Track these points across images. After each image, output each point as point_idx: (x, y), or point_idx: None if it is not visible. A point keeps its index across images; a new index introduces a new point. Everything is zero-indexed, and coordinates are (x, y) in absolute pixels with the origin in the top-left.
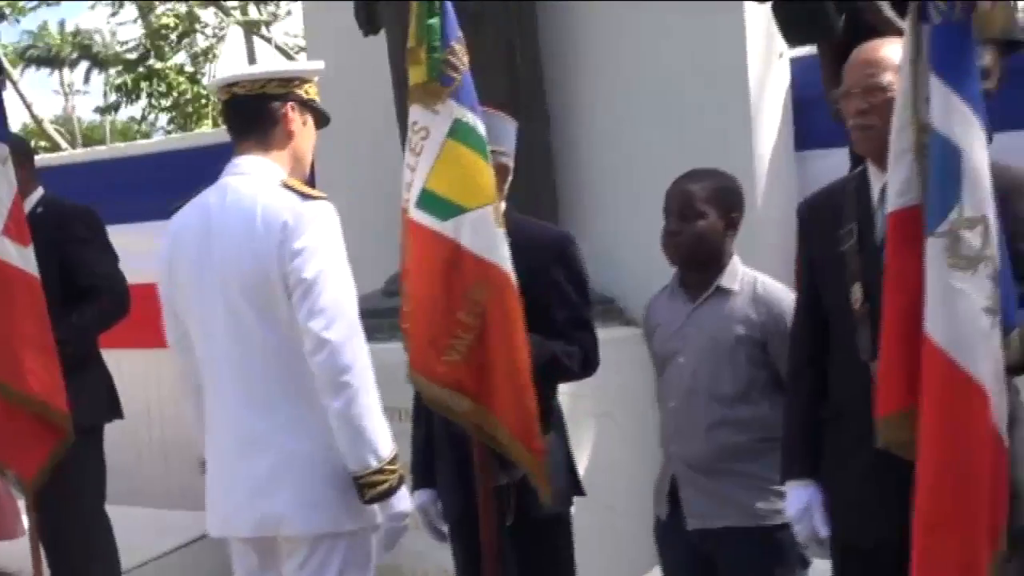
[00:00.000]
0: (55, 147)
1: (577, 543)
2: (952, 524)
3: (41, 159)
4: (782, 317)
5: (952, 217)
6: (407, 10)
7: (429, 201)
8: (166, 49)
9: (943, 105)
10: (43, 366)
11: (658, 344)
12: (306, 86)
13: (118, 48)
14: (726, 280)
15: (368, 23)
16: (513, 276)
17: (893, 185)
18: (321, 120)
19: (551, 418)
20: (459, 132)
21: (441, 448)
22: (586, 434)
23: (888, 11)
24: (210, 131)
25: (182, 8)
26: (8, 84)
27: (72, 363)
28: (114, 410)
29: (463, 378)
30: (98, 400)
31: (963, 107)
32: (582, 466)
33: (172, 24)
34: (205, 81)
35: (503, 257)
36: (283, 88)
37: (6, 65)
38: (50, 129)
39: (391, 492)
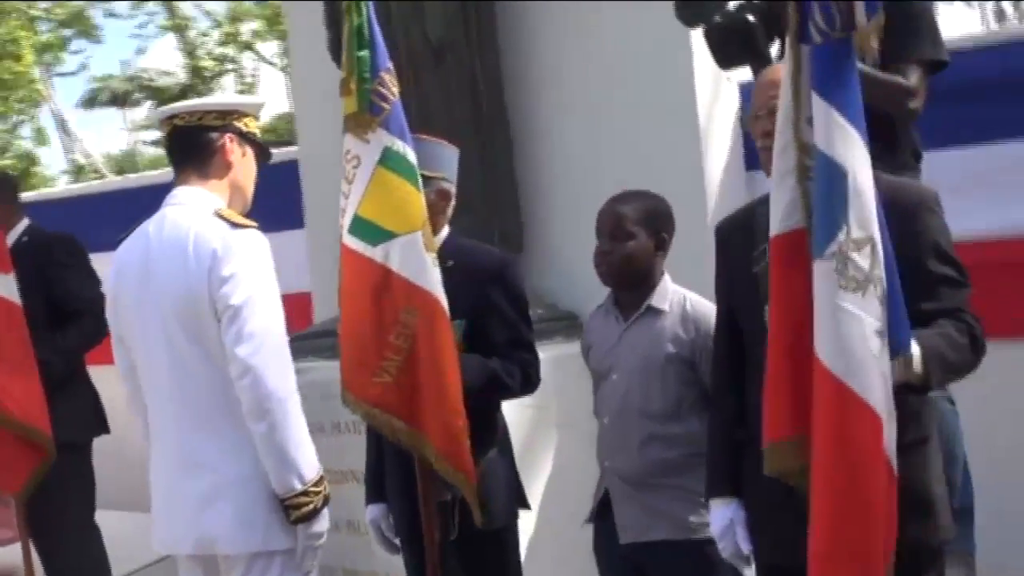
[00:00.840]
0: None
1: (542, 553)
2: (848, 553)
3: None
4: (710, 335)
5: (840, 238)
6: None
7: (360, 227)
8: (200, 87)
9: (826, 124)
10: (24, 389)
11: (593, 362)
12: (245, 119)
13: (166, 82)
14: (656, 300)
15: (339, 56)
16: (443, 300)
17: (776, 208)
18: (262, 155)
19: (495, 435)
20: (389, 160)
21: (390, 462)
22: (549, 444)
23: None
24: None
25: (220, 51)
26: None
27: (57, 382)
28: (101, 426)
29: (393, 399)
30: (84, 417)
31: (846, 126)
32: (544, 476)
33: (211, 66)
34: None
35: (432, 282)
36: (221, 120)
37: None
38: (99, 163)
39: (315, 514)
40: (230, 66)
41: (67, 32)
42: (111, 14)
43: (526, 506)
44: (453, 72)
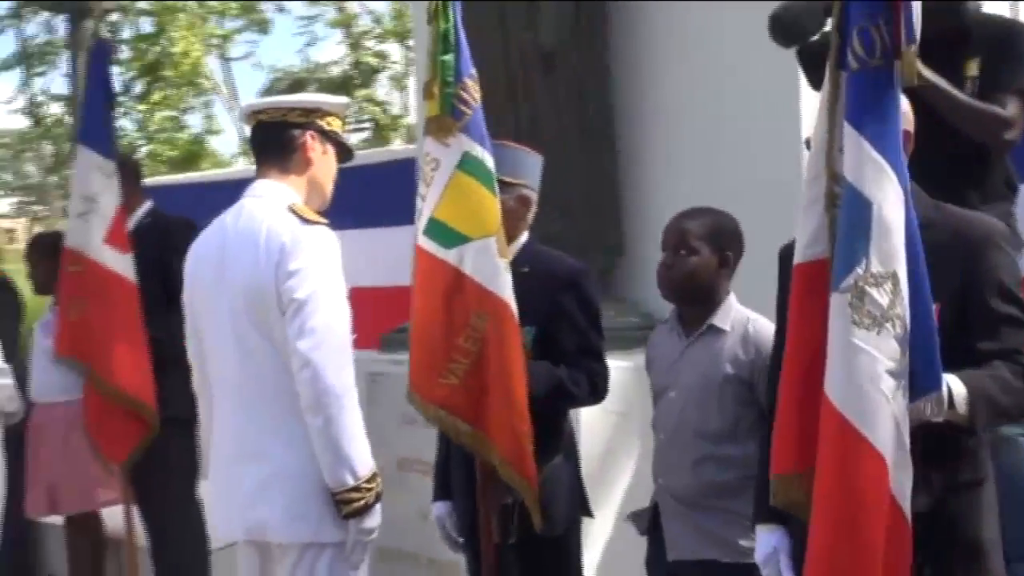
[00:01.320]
0: None
1: (618, 558)
2: None
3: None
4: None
5: (858, 272)
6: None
7: (436, 229)
8: (357, 81)
9: (855, 155)
10: (134, 364)
11: (654, 377)
12: (328, 118)
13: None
14: (718, 319)
15: None
16: (513, 306)
17: (802, 236)
18: (344, 153)
19: (560, 441)
20: (468, 164)
21: (456, 462)
22: (631, 452)
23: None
24: (400, 147)
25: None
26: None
27: (167, 360)
28: None
29: (459, 402)
30: (190, 393)
31: (876, 158)
32: (624, 483)
33: (372, 62)
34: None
35: (503, 287)
36: (304, 118)
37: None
38: None
39: (366, 509)
40: (386, 63)
41: (237, 23)
42: (281, 9)
43: (588, 514)
44: (562, 79)
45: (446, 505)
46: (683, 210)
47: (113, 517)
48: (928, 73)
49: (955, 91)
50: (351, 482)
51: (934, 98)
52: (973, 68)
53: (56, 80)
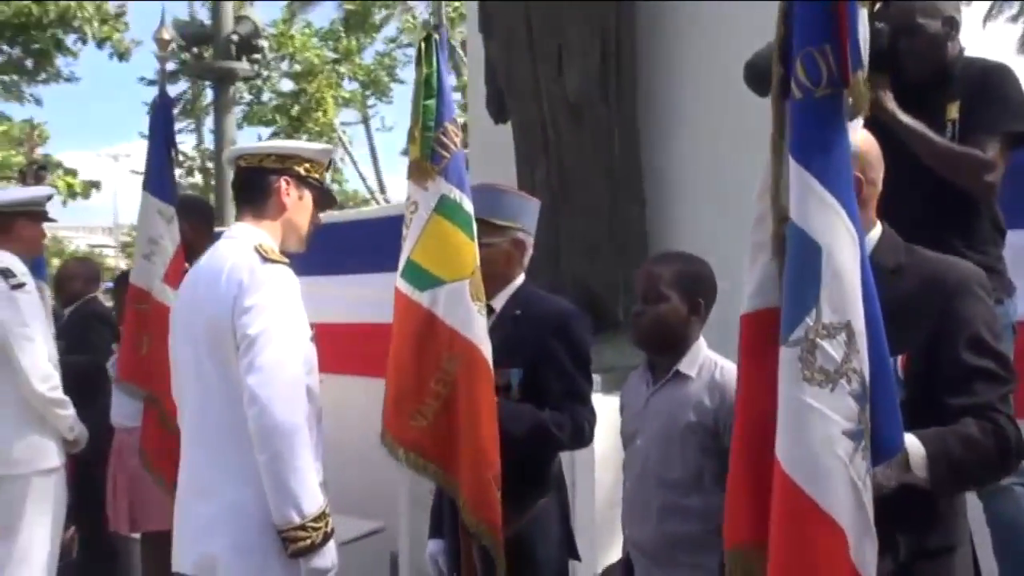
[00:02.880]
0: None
1: None
2: None
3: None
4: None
5: (808, 323)
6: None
7: (412, 271)
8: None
9: (801, 193)
10: None
11: (623, 424)
12: (306, 164)
13: None
14: (684, 365)
15: (499, 113)
16: (484, 350)
17: (748, 284)
18: (324, 199)
19: (546, 485)
20: (445, 207)
21: (446, 500)
22: None
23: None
24: None
25: None
26: None
27: None
28: None
29: (427, 443)
30: None
31: (825, 195)
32: None
33: None
34: None
35: (475, 330)
36: (279, 164)
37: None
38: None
39: (312, 549)
40: None
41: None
42: (398, 80)
43: (575, 557)
44: (589, 128)
45: (438, 543)
46: (654, 255)
47: None
48: (905, 118)
49: (933, 135)
50: (296, 520)
51: (912, 142)
52: (954, 111)
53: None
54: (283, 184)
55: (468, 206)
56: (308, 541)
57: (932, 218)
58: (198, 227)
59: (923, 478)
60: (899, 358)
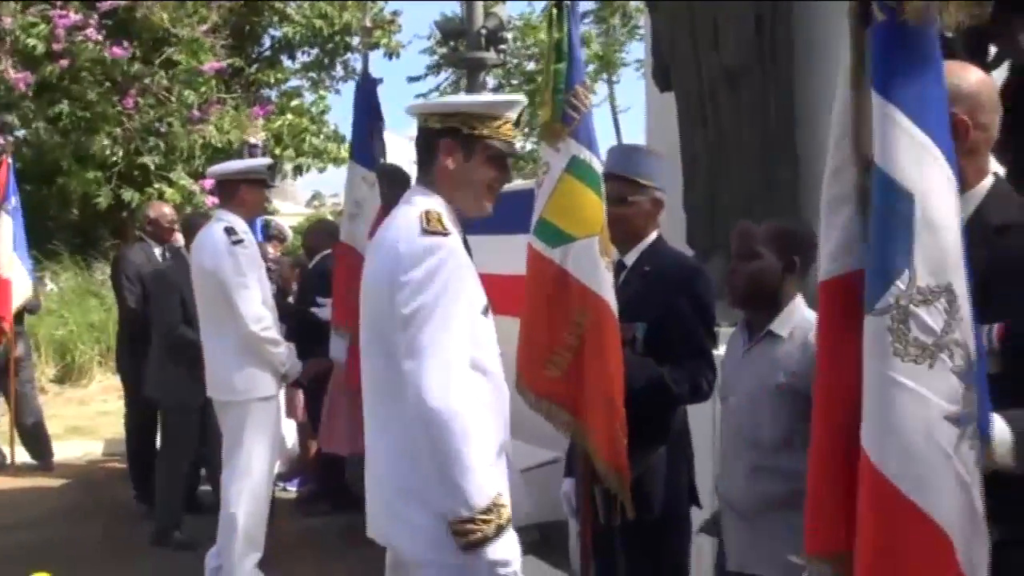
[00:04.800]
0: None
1: None
2: None
3: None
4: None
5: (899, 287)
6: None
7: (544, 229)
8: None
9: (887, 133)
10: None
11: (721, 381)
12: (473, 121)
13: None
14: (776, 325)
15: (664, 83)
16: (612, 304)
17: (825, 246)
18: (503, 155)
19: (666, 435)
20: (575, 167)
21: (577, 445)
22: None
23: None
24: None
25: None
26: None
27: None
28: None
29: (561, 392)
30: None
31: (917, 133)
32: None
33: None
34: None
35: (603, 286)
36: (440, 123)
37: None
38: None
39: (484, 543)
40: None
41: None
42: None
43: (696, 504)
44: (746, 92)
45: (570, 482)
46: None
47: None
48: None
49: None
50: (464, 513)
51: None
52: None
53: None
54: (444, 146)
55: (597, 166)
56: (479, 535)
57: None
58: (394, 191)
59: (1008, 465)
60: (995, 327)
